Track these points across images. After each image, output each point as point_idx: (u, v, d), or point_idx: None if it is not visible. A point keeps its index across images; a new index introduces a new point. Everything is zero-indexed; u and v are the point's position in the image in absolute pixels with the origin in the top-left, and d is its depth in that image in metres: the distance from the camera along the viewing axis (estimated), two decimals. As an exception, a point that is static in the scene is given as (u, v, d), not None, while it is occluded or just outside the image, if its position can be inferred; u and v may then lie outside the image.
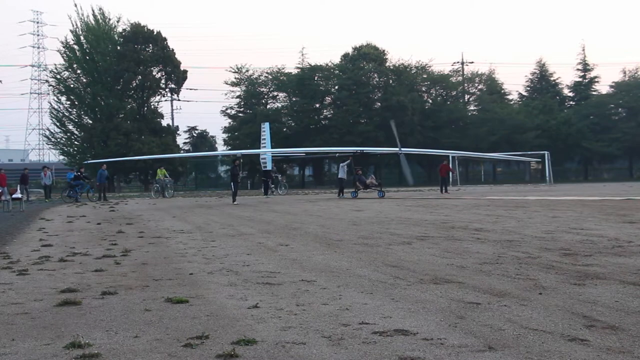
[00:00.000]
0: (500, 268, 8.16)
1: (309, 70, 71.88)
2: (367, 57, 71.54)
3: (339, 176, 35.62)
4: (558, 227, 13.19)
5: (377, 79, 72.82)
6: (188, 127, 79.67)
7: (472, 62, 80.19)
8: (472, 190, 43.17)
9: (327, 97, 73.31)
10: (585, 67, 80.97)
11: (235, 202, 28.99)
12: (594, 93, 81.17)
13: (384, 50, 73.52)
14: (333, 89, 72.53)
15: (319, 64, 72.45)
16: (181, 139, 75.72)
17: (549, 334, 4.92)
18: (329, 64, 72.76)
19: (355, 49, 73.04)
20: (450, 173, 45.13)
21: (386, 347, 4.69)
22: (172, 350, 4.76)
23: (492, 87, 79.52)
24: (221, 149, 75.04)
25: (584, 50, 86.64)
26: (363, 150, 39.00)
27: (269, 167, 42.49)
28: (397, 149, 36.46)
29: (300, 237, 12.97)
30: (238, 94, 73.13)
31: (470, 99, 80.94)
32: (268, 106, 74.01)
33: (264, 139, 45.20)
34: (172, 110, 72.93)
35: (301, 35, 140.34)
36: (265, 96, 74.37)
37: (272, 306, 6.20)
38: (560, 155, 70.15)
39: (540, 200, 25.10)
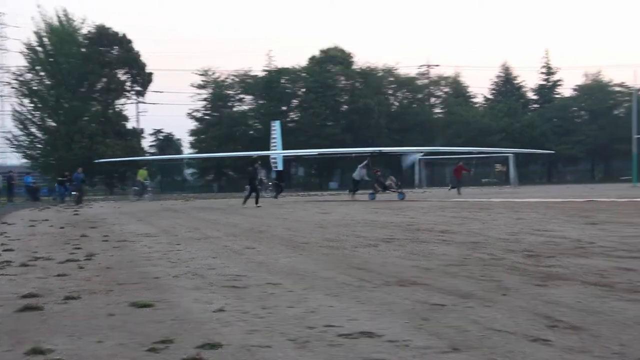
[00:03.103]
0: (465, 270, 8.21)
1: (276, 72, 71.84)
2: (334, 60, 71.74)
3: (353, 176, 34.12)
4: (522, 229, 13.33)
5: (343, 82, 73.03)
6: (154, 129, 78.90)
7: (437, 65, 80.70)
8: (437, 192, 43.43)
9: (293, 100, 73.33)
10: (549, 71, 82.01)
11: (258, 205, 27.66)
12: (557, 96, 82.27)
13: (350, 53, 73.87)
14: (300, 92, 72.58)
15: (285, 67, 72.44)
16: (147, 142, 75.15)
17: (513, 335, 4.96)
18: (296, 66, 72.82)
19: (322, 51, 73.19)
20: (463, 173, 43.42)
21: (351, 350, 4.69)
22: (136, 355, 4.71)
23: (457, 90, 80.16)
24: (187, 152, 74.73)
25: (547, 53, 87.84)
26: (382, 150, 37.28)
27: (280, 167, 41.07)
28: (421, 148, 35.67)
29: (266, 240, 12.94)
30: (204, 96, 72.84)
31: (436, 102, 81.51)
32: (235, 109, 73.81)
33: (274, 138, 43.35)
34: (138, 112, 72.35)
35: (268, 38, 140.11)
36: (232, 99, 74.13)
37: (237, 310, 6.17)
38: (524, 157, 70.94)
39: (505, 202, 25.35)
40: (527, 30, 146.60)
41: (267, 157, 42.00)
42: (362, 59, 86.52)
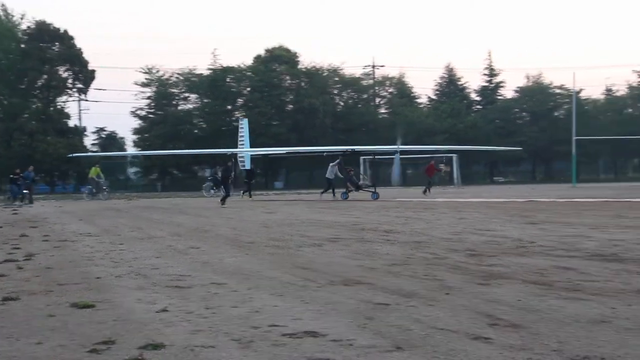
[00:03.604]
0: (408, 269, 8.30)
1: (221, 71, 71.39)
2: (279, 59, 71.65)
3: (327, 176, 33.21)
4: (465, 229, 13.53)
5: (289, 82, 73.00)
6: (96, 127, 77.46)
7: (382, 66, 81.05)
8: (381, 192, 43.65)
9: (239, 99, 73.00)
10: (492, 72, 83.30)
11: (224, 205, 26.95)
12: (499, 97, 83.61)
13: (295, 53, 73.84)
14: (245, 91, 72.28)
15: (230, 66, 72.04)
16: (89, 140, 73.92)
17: (455, 333, 5.03)
18: (241, 65, 72.47)
19: (267, 51, 73.02)
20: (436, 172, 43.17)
21: (295, 349, 4.69)
22: (77, 356, 4.63)
23: (402, 91, 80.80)
24: (131, 150, 73.69)
25: (490, 55, 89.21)
26: (354, 149, 36.58)
27: (248, 166, 39.77)
28: (396, 146, 35.00)
29: (211, 239, 12.87)
30: (148, 95, 71.91)
31: (381, 102, 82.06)
32: (179, 107, 73.14)
33: (242, 136, 42.40)
34: (80, 110, 71.07)
35: (213, 36, 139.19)
36: (177, 97, 73.41)
37: (181, 310, 6.12)
38: (467, 158, 71.91)
39: (448, 202, 25.69)
40: (470, 31, 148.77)
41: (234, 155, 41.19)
42: (307, 59, 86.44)
